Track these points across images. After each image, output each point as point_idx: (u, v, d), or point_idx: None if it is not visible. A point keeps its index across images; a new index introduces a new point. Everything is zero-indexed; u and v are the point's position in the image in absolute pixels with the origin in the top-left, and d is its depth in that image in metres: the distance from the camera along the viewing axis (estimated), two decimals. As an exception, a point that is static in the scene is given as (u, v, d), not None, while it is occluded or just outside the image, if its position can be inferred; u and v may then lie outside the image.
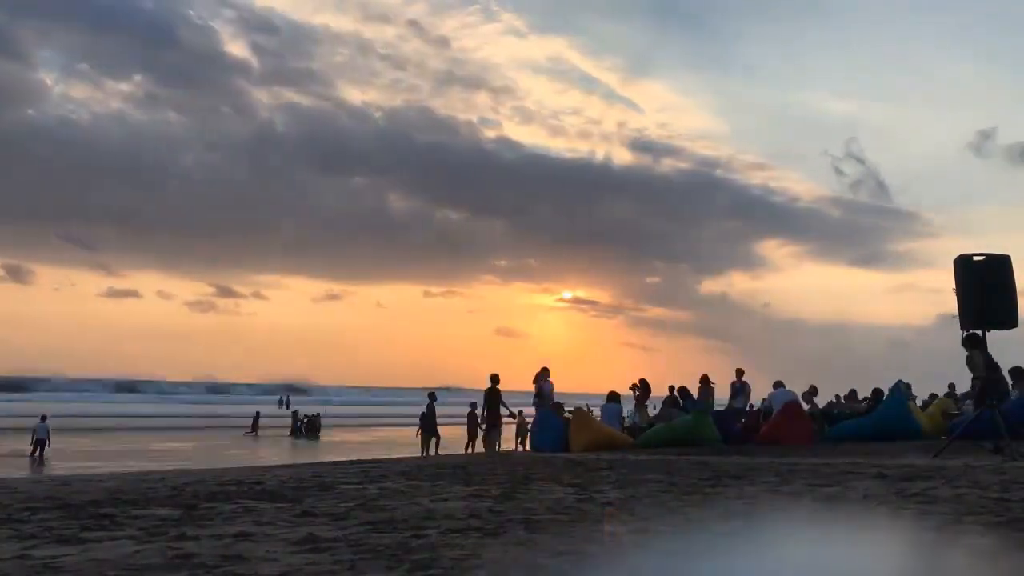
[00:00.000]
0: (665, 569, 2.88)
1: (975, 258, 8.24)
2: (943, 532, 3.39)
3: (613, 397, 15.70)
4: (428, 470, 7.84)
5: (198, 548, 3.30)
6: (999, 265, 8.24)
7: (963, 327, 8.23)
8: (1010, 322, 8.17)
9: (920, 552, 2.95)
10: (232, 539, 3.53)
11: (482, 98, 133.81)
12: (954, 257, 8.38)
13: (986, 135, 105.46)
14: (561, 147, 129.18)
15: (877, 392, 14.70)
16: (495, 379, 15.73)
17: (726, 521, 3.94)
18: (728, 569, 2.69)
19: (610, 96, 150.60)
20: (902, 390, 14.43)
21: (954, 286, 8.37)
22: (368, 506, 4.73)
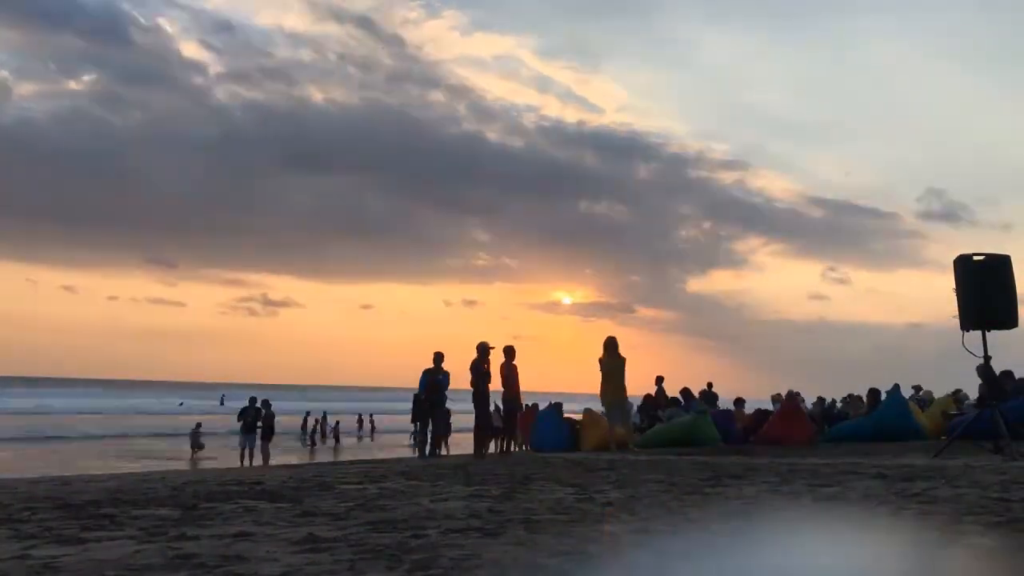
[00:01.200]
0: (665, 569, 2.88)
1: (975, 258, 8.24)
2: (943, 532, 3.39)
3: None
4: (428, 470, 7.84)
5: (198, 548, 3.30)
6: (999, 265, 8.24)
7: (963, 327, 8.22)
8: (1010, 322, 8.17)
9: (920, 552, 2.95)
10: (232, 539, 3.53)
11: (437, 96, 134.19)
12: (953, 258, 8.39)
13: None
14: (522, 145, 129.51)
15: (874, 392, 14.69)
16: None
17: (726, 521, 3.94)
18: (728, 569, 2.69)
19: (567, 95, 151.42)
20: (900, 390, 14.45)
21: (954, 286, 8.37)
22: (368, 506, 4.73)
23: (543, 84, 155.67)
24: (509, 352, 12.90)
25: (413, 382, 14.01)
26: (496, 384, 12.74)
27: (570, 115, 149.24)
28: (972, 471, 6.31)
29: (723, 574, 2.65)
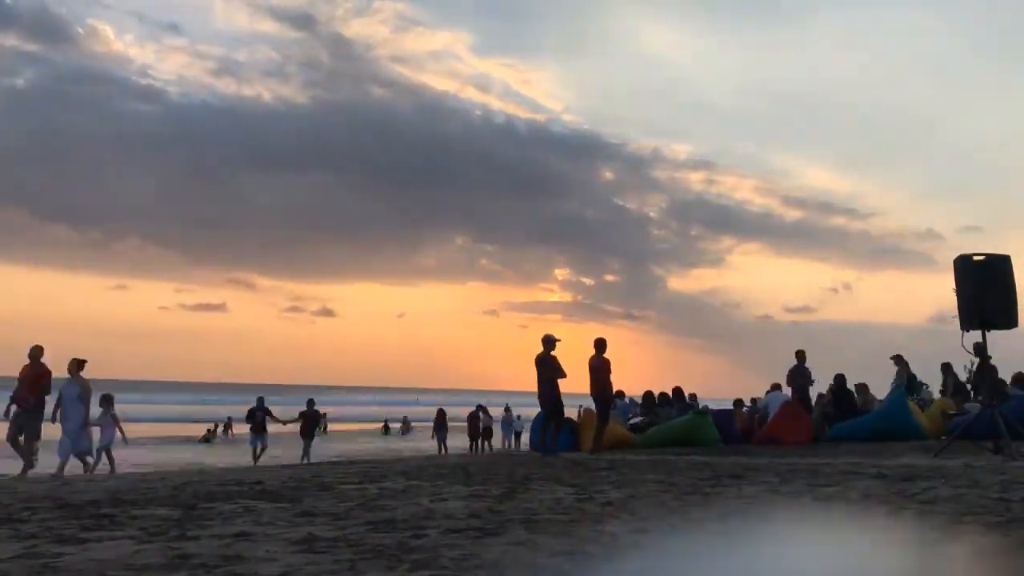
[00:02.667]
0: (665, 569, 2.88)
1: (975, 258, 8.24)
2: (943, 532, 3.39)
3: (620, 396, 15.76)
4: (428, 470, 7.84)
5: (198, 548, 3.30)
6: (999, 265, 8.24)
7: (963, 327, 8.22)
8: (1010, 322, 8.17)
9: (920, 552, 2.95)
10: (232, 539, 3.53)
11: (381, 92, 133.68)
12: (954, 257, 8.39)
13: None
14: (475, 144, 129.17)
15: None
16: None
17: (726, 521, 3.94)
18: (728, 569, 2.69)
19: (508, 93, 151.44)
20: (903, 390, 14.43)
21: (954, 286, 8.36)
22: (368, 506, 4.73)
23: (483, 81, 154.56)
24: (600, 345, 12.17)
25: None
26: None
27: (519, 113, 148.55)
28: (972, 471, 6.31)
29: (723, 574, 2.65)
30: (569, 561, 2.92)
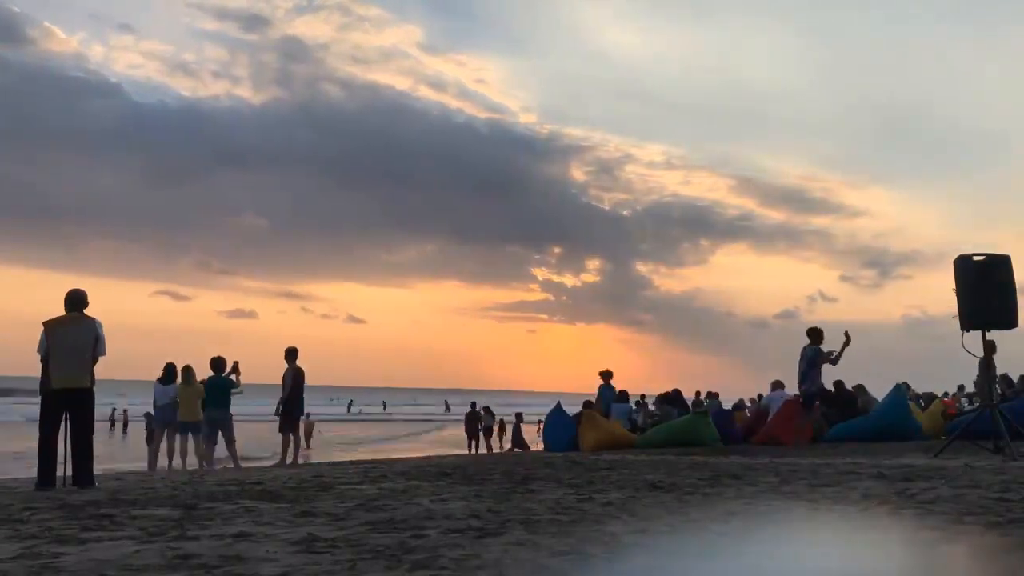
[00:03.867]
0: (665, 569, 2.88)
1: (975, 258, 8.24)
2: (943, 532, 3.39)
3: (623, 396, 15.79)
4: (428, 470, 7.84)
5: (198, 548, 3.30)
6: (999, 265, 8.23)
7: (963, 327, 8.22)
8: (1010, 322, 8.17)
9: (920, 552, 2.95)
10: (232, 539, 3.53)
11: (333, 90, 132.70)
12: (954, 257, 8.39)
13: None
14: (438, 142, 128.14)
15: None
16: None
17: (726, 521, 3.94)
18: (728, 570, 2.69)
19: (465, 92, 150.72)
20: (903, 390, 14.44)
21: (954, 286, 8.36)
22: (368, 506, 4.73)
23: (437, 80, 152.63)
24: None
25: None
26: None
27: (477, 113, 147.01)
28: (972, 471, 6.31)
29: (723, 574, 2.65)
30: (569, 561, 2.92)
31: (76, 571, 2.90)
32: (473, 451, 21.44)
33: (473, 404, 24.32)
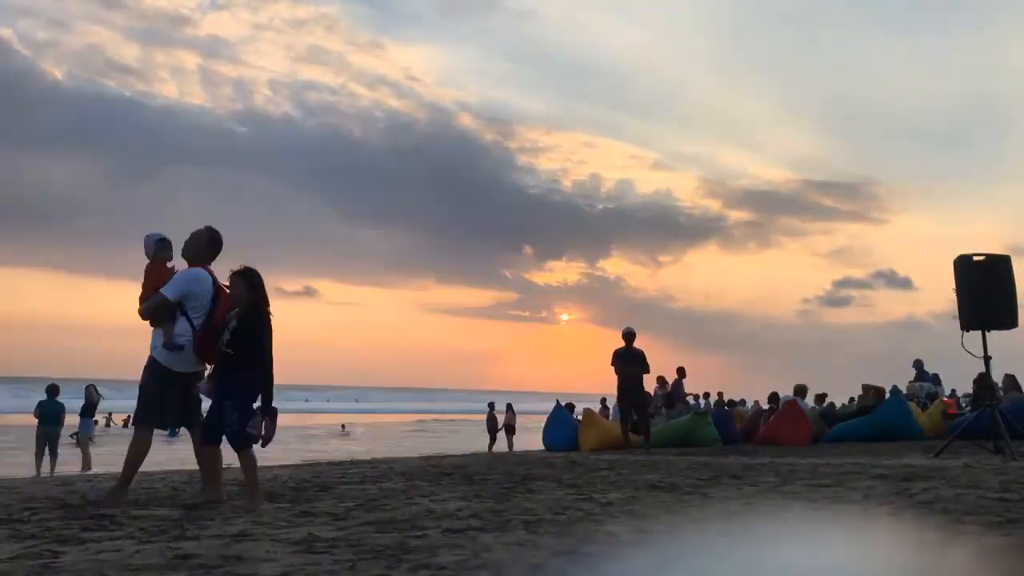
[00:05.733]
0: (665, 569, 2.88)
1: (975, 258, 8.24)
2: (943, 532, 3.39)
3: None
4: (428, 470, 7.84)
5: (198, 548, 3.30)
6: (999, 265, 8.24)
7: (963, 327, 8.22)
8: (1010, 322, 8.17)
9: (920, 552, 2.95)
10: (232, 539, 3.53)
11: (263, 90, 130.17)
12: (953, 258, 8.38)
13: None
14: (383, 140, 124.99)
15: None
16: None
17: (726, 521, 3.94)
18: (728, 569, 2.69)
19: (396, 86, 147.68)
20: (901, 392, 14.44)
21: (954, 286, 8.36)
22: (368, 506, 4.73)
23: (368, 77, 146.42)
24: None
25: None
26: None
27: (416, 110, 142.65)
28: (972, 471, 6.31)
29: (723, 574, 2.65)
30: (569, 561, 2.92)
31: (76, 571, 2.90)
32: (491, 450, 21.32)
33: (491, 405, 24.20)
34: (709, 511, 4.33)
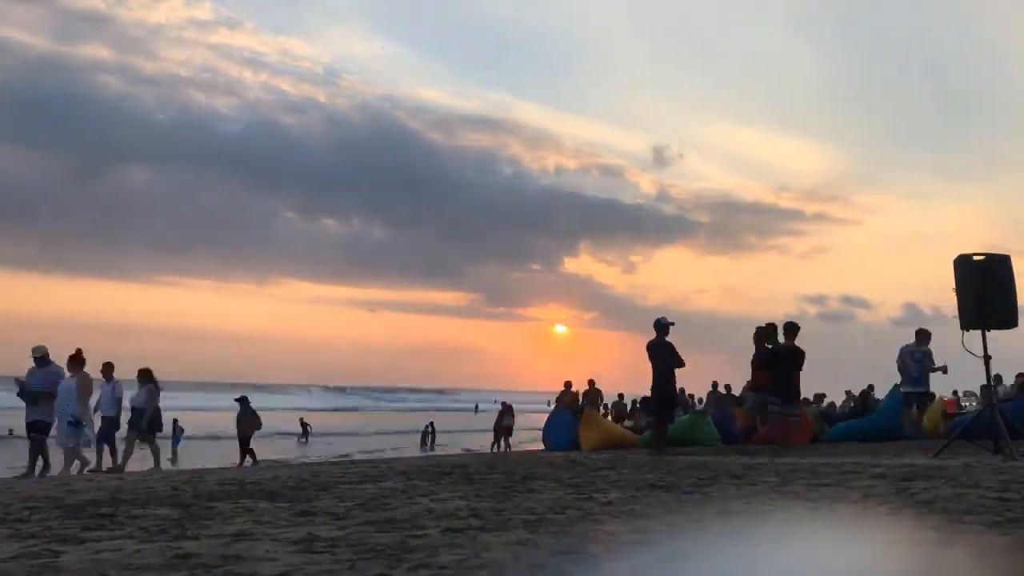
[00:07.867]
0: (665, 569, 2.88)
1: (975, 258, 8.24)
2: (943, 532, 3.39)
3: (622, 397, 15.84)
4: (428, 470, 7.84)
5: (198, 548, 3.30)
6: (999, 265, 8.23)
7: (963, 327, 8.22)
8: (1010, 322, 8.16)
9: (920, 552, 2.95)
10: (232, 539, 3.53)
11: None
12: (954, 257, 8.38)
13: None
14: (363, 140, 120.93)
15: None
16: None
17: (726, 521, 3.94)
18: (728, 569, 2.69)
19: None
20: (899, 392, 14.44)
21: (953, 286, 8.36)
22: (368, 506, 4.73)
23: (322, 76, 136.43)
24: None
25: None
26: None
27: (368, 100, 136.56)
28: (972, 471, 6.31)
29: (723, 574, 2.65)
30: (569, 561, 2.92)
31: (76, 571, 2.90)
32: (496, 450, 21.32)
33: (502, 403, 24.28)
34: (709, 511, 4.33)
